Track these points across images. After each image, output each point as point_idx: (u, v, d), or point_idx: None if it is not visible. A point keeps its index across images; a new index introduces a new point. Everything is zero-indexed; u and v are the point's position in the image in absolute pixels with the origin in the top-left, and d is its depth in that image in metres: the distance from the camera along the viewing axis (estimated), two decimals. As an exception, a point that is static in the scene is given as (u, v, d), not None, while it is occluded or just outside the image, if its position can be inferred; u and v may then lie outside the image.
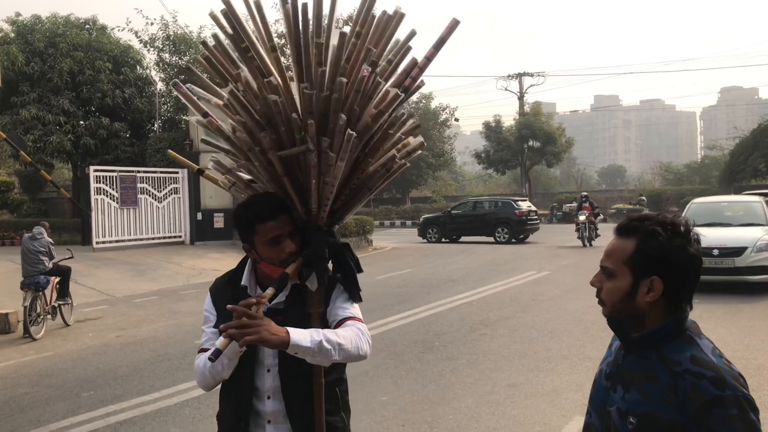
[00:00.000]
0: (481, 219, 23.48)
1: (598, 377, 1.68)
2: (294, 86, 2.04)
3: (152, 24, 25.27)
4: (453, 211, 24.74)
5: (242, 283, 2.11)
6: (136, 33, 25.55)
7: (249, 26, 2.07)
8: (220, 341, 1.80)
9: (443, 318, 9.36)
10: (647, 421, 1.48)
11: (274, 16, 17.72)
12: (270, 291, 1.93)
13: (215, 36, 2.15)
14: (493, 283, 12.55)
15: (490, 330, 8.42)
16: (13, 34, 23.65)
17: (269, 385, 2.05)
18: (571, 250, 18.90)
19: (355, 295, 2.14)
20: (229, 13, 2.00)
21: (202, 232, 21.09)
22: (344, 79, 1.95)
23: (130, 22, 25.51)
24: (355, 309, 2.11)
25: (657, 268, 1.52)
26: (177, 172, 21.10)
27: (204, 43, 2.19)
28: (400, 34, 2.14)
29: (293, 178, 2.06)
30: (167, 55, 25.44)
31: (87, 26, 25.46)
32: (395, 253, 20.33)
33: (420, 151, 2.26)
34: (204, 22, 31.50)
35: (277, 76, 2.02)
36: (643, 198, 35.04)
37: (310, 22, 2.00)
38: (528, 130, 39.33)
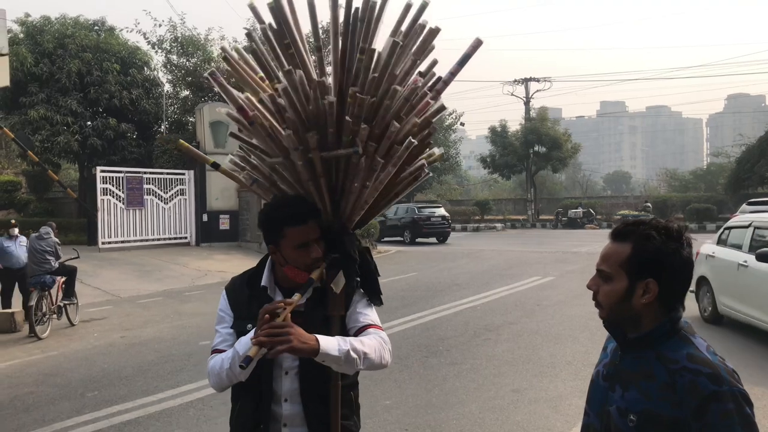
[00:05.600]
0: (397, 223, 27.56)
1: (596, 378, 1.73)
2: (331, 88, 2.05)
3: (160, 26, 25.56)
4: (387, 216, 27.43)
5: (262, 283, 2.06)
6: (144, 34, 25.76)
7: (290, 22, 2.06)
8: (251, 349, 1.75)
9: (447, 322, 9.36)
10: (647, 418, 1.52)
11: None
12: (297, 297, 1.88)
13: (263, 28, 2.09)
14: (498, 287, 12.55)
15: (494, 335, 8.42)
16: (22, 35, 23.79)
17: (287, 387, 2.01)
18: (576, 256, 18.87)
19: (376, 299, 2.14)
20: (276, 7, 2.01)
21: (207, 233, 21.17)
22: (399, 88, 2.00)
23: (138, 23, 25.79)
24: (374, 315, 2.11)
25: (652, 271, 1.56)
26: (183, 174, 21.18)
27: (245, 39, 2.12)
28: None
29: (329, 179, 2.08)
30: (175, 57, 25.61)
31: (96, 27, 25.62)
32: (400, 257, 20.35)
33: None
34: (212, 24, 31.52)
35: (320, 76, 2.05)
36: (649, 204, 34.80)
37: (358, 27, 2.01)
38: (534, 135, 39.27)
